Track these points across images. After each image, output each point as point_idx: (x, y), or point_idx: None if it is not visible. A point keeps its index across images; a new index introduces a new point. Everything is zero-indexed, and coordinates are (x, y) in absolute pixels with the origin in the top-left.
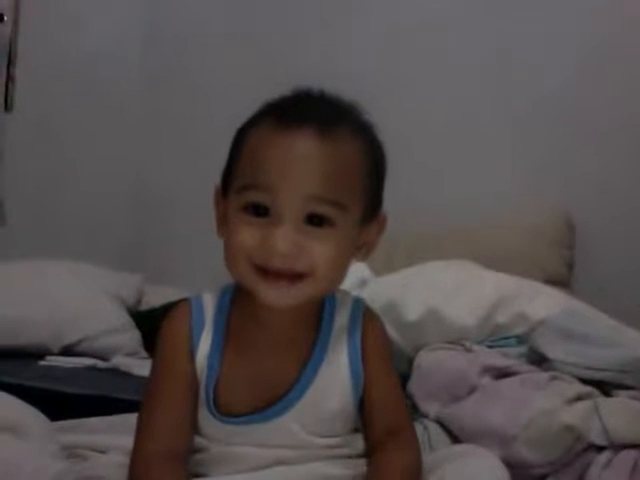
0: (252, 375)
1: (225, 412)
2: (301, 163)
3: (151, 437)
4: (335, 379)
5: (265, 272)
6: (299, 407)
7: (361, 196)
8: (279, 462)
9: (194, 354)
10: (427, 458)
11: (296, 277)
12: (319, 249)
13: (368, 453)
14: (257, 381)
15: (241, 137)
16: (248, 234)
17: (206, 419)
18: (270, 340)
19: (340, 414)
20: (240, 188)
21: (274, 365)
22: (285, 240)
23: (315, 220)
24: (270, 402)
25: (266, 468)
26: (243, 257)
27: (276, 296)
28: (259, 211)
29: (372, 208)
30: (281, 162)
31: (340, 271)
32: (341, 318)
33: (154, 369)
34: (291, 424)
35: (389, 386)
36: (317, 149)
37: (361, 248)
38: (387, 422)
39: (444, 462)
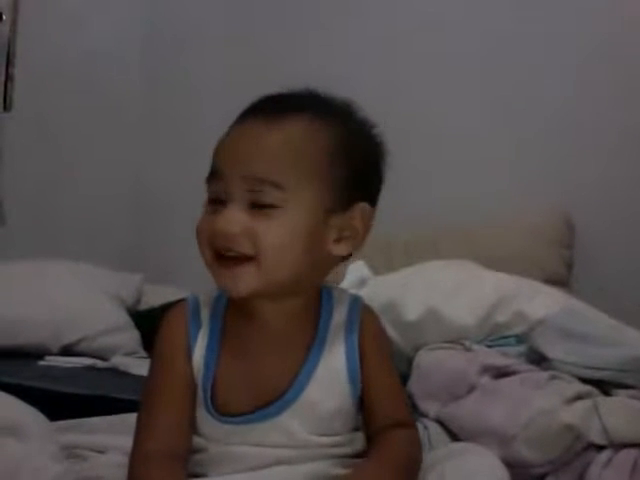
0: (249, 374)
1: (223, 412)
2: (243, 148)
3: (150, 437)
4: (333, 377)
5: (224, 259)
6: (297, 406)
7: (320, 182)
8: (278, 462)
9: (191, 353)
10: (427, 456)
11: (245, 260)
12: (262, 229)
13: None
14: (254, 380)
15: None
16: (206, 222)
17: (204, 419)
18: (266, 339)
19: (338, 413)
20: (205, 181)
21: (271, 364)
22: (227, 220)
23: (260, 202)
24: (268, 401)
25: (265, 468)
26: (205, 246)
27: (226, 282)
28: (219, 200)
29: (345, 199)
30: (227, 149)
31: (292, 256)
32: (339, 316)
33: (152, 369)
34: (289, 423)
35: (388, 384)
36: (261, 134)
37: (340, 241)
38: (388, 420)
39: (444, 460)
